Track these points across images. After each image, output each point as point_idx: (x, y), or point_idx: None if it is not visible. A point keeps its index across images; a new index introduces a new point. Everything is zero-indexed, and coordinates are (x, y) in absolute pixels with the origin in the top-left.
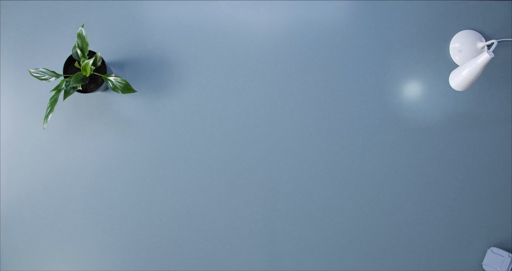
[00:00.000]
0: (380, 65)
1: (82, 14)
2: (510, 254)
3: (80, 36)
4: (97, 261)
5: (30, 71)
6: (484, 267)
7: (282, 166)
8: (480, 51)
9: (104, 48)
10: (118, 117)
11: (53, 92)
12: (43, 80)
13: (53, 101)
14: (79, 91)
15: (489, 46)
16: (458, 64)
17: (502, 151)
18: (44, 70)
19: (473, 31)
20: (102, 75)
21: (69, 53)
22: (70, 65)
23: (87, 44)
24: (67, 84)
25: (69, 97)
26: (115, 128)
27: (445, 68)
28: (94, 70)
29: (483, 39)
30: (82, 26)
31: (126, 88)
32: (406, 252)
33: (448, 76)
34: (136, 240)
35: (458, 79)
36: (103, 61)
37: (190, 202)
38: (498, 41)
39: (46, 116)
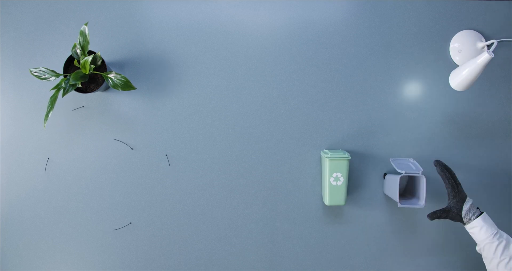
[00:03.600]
0: (380, 65)
1: (82, 14)
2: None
3: (82, 33)
4: (97, 261)
5: (30, 70)
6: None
7: (282, 165)
8: (480, 51)
9: (104, 48)
10: (118, 117)
11: (53, 91)
12: (43, 80)
13: (53, 100)
14: (79, 91)
15: (489, 46)
16: (458, 64)
17: (502, 151)
18: (44, 69)
19: (473, 31)
20: (102, 73)
21: (69, 53)
22: (70, 65)
23: (88, 42)
24: (67, 82)
25: (70, 98)
26: (115, 128)
27: (445, 68)
28: (94, 70)
29: (483, 39)
30: (86, 24)
31: (126, 85)
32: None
33: (448, 76)
34: (136, 240)
35: (458, 79)
36: (103, 61)
37: (190, 202)
38: (498, 41)
39: (47, 115)
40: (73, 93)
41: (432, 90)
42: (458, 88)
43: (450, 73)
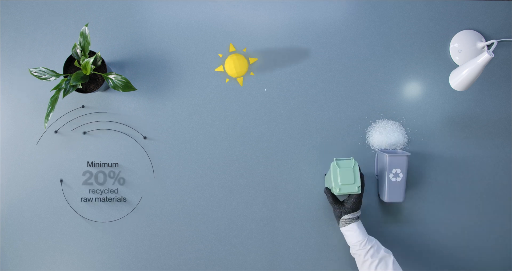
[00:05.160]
0: (380, 65)
1: (82, 14)
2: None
3: (82, 35)
4: (97, 261)
5: (30, 70)
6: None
7: (282, 166)
8: (480, 51)
9: (104, 48)
10: (118, 117)
11: (53, 91)
12: (43, 80)
13: (54, 101)
14: (79, 91)
15: (489, 46)
16: (458, 64)
17: (502, 151)
18: (44, 69)
19: (473, 31)
20: (102, 74)
21: (69, 53)
22: (70, 65)
23: (89, 43)
24: (67, 83)
25: (70, 98)
26: (115, 128)
27: (445, 68)
28: (94, 70)
29: (483, 39)
30: (86, 26)
31: (127, 86)
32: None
33: (448, 76)
34: (136, 240)
35: (458, 79)
36: (103, 61)
37: (190, 202)
38: (498, 41)
39: (47, 115)
40: (73, 93)
41: (432, 90)
42: (458, 88)
43: (450, 73)
